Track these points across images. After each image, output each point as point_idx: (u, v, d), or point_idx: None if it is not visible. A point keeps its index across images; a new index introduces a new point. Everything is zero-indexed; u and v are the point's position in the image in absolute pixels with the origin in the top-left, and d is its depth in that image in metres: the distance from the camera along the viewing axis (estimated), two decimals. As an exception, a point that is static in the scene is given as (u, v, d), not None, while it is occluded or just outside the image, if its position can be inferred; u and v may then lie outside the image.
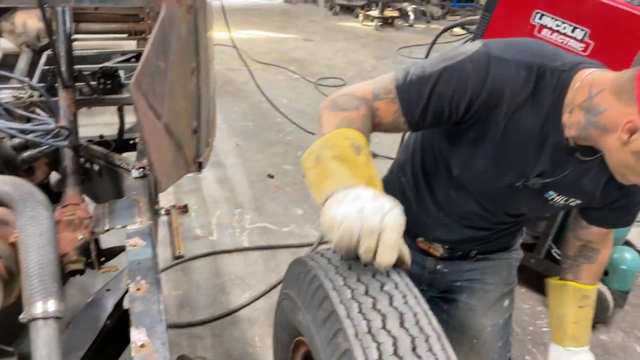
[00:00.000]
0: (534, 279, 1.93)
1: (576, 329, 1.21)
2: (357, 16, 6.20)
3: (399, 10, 6.20)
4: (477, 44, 0.94)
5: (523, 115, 0.92)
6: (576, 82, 0.89)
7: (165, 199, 2.40)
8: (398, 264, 0.74)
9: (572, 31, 1.57)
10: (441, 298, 1.30)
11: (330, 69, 4.53)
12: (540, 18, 1.60)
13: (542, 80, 0.90)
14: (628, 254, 1.78)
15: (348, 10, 6.36)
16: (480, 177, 1.03)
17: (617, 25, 1.51)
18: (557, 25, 1.58)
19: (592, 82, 0.88)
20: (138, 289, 0.85)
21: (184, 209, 2.34)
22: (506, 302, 1.26)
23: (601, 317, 1.84)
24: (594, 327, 1.93)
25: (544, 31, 1.60)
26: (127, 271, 0.91)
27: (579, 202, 1.04)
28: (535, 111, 0.92)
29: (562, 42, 1.59)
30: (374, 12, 6.04)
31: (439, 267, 1.26)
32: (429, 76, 0.91)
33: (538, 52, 0.92)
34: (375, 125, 0.96)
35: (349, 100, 0.93)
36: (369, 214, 0.70)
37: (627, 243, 1.99)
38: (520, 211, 1.10)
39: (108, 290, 0.89)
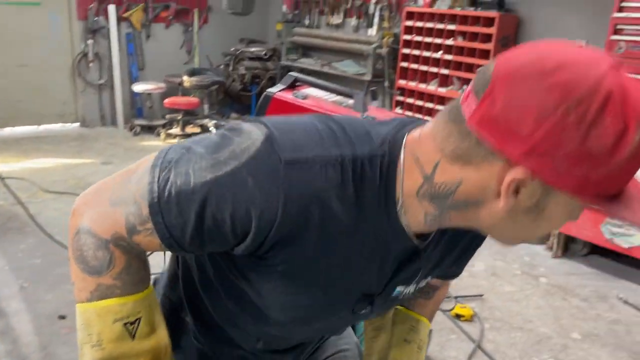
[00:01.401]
0: None
1: None
2: (158, 135, 6.25)
3: (201, 126, 6.42)
4: (255, 134, 0.64)
5: (348, 232, 0.66)
6: (399, 167, 0.65)
7: None
8: None
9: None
10: None
11: (132, 191, 4.42)
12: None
13: (362, 178, 0.64)
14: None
15: (149, 129, 6.38)
16: (307, 313, 0.78)
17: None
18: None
19: (415, 157, 0.64)
20: None
21: (-50, 376, 2.00)
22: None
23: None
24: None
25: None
26: None
27: (429, 278, 0.85)
28: (362, 222, 0.66)
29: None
30: (176, 130, 6.16)
31: None
32: (192, 192, 0.63)
33: (342, 137, 0.65)
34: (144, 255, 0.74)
35: (96, 251, 0.69)
36: None
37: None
38: (368, 319, 0.97)
39: None
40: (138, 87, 6.03)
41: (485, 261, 3.36)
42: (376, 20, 5.57)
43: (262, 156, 0.63)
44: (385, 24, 5.49)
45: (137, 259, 0.72)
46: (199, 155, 0.65)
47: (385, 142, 0.66)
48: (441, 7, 4.65)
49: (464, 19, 4.43)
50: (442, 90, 4.76)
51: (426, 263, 0.78)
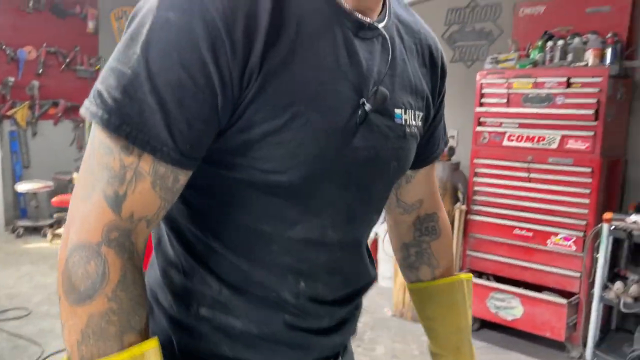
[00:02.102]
0: None
1: (470, 345, 0.94)
2: (45, 235, 5.87)
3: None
4: None
5: (285, 19, 0.61)
6: None
7: None
8: None
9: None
10: None
11: (12, 299, 4.07)
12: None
13: None
14: None
15: (35, 230, 5.98)
16: (321, 154, 0.65)
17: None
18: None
19: None
20: None
21: None
22: None
23: None
24: None
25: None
26: None
27: (420, 112, 0.77)
28: (290, 4, 0.62)
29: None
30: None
31: None
32: (134, 76, 0.55)
33: None
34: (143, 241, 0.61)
35: (87, 265, 0.58)
36: None
37: None
38: (390, 165, 0.75)
39: None
40: (22, 187, 5.71)
41: (385, 344, 3.41)
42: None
43: None
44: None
45: (132, 266, 0.60)
46: (116, 51, 0.59)
47: None
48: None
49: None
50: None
51: (397, 64, 0.72)
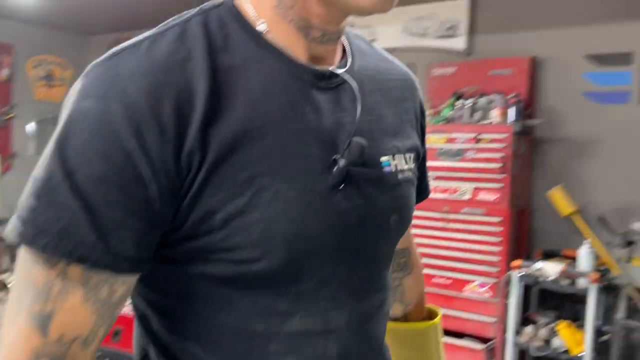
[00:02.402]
0: None
1: None
2: (-56, 296, 5.38)
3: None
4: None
5: (230, 85, 0.55)
6: None
7: None
8: None
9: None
10: None
11: None
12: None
13: (205, 24, 0.56)
14: None
15: None
16: (298, 230, 0.57)
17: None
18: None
19: None
20: None
21: None
22: None
23: None
24: None
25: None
26: None
27: (409, 153, 0.70)
28: (233, 66, 0.56)
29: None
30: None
31: None
32: (49, 177, 0.50)
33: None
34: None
35: None
36: None
37: None
38: (390, 219, 0.67)
39: None
40: None
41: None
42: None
43: (88, 77, 0.53)
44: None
45: None
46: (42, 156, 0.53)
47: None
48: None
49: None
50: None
51: (372, 108, 0.66)
